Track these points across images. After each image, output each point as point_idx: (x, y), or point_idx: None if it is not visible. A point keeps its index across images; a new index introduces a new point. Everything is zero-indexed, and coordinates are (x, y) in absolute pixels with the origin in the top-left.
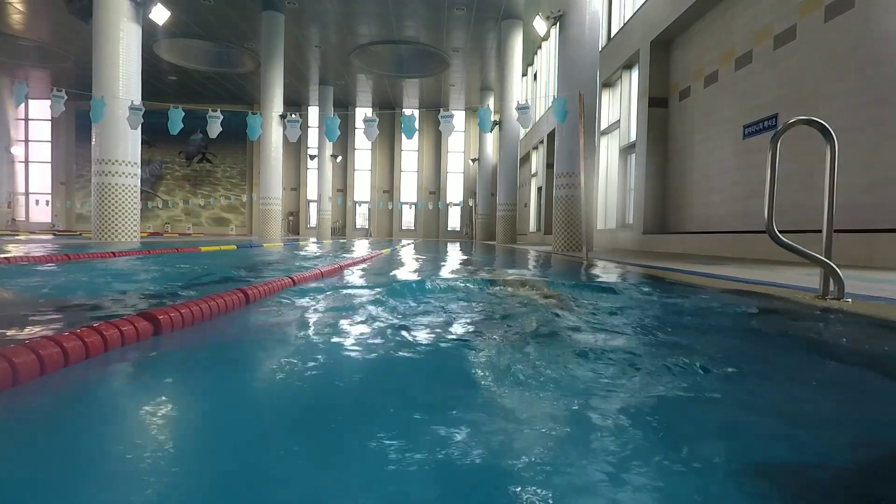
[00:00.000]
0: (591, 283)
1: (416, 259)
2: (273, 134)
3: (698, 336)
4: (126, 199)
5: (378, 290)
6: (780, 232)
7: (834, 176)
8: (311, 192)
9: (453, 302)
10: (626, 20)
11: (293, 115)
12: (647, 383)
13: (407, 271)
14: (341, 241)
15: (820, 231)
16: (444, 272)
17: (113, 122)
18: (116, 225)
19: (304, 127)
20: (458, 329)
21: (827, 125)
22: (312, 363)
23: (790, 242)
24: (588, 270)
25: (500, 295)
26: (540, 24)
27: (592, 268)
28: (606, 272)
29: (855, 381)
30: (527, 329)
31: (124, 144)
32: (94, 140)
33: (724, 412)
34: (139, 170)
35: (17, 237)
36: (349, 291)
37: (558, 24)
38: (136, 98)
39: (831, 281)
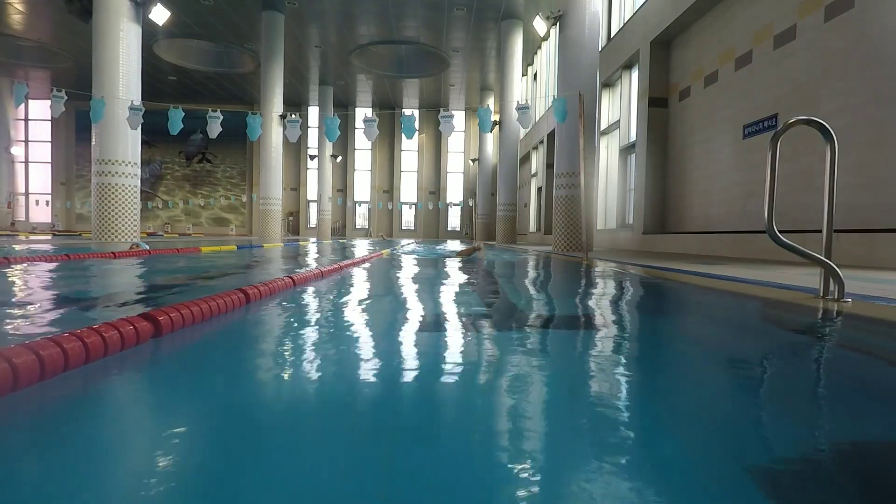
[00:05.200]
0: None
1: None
2: (273, 134)
3: (697, 337)
4: (126, 200)
5: (377, 285)
6: (779, 232)
7: (834, 176)
8: (311, 192)
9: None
10: (625, 20)
11: (293, 116)
12: (646, 383)
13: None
14: (341, 241)
15: (819, 231)
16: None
17: (113, 122)
18: (116, 225)
19: (304, 127)
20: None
21: (827, 125)
22: (315, 362)
23: (790, 242)
24: (588, 270)
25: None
26: (540, 25)
27: (592, 268)
28: (606, 273)
29: (854, 382)
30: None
31: (124, 144)
32: (94, 140)
33: (720, 412)
34: (139, 170)
35: (16, 237)
36: (350, 289)
37: (558, 24)
38: (136, 98)
39: (831, 281)
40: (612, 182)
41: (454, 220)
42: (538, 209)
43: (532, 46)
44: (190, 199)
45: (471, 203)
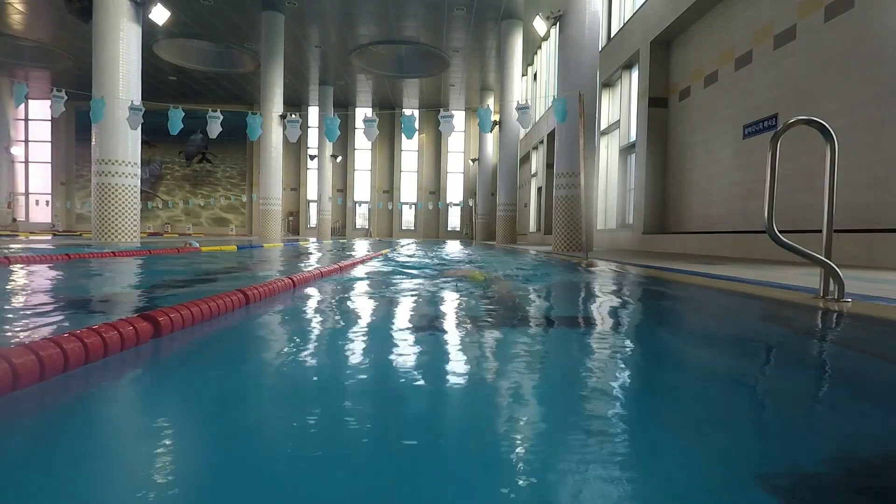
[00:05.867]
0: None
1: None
2: (273, 134)
3: (697, 337)
4: (126, 200)
5: (377, 280)
6: (779, 232)
7: (834, 176)
8: (312, 192)
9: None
10: (625, 20)
11: (293, 116)
12: (645, 383)
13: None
14: (341, 241)
15: (819, 231)
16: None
17: (113, 122)
18: (116, 225)
19: (304, 127)
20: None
21: (827, 125)
22: (315, 364)
23: (790, 242)
24: (588, 270)
25: None
26: (540, 25)
27: (592, 268)
28: (606, 273)
29: (856, 382)
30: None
31: (124, 144)
32: (94, 140)
33: (721, 413)
34: (139, 170)
35: (16, 237)
36: (350, 287)
37: (558, 24)
38: (136, 98)
39: (831, 281)
40: (612, 182)
41: (454, 220)
42: (538, 209)
43: (532, 46)
44: (190, 199)
45: (471, 203)
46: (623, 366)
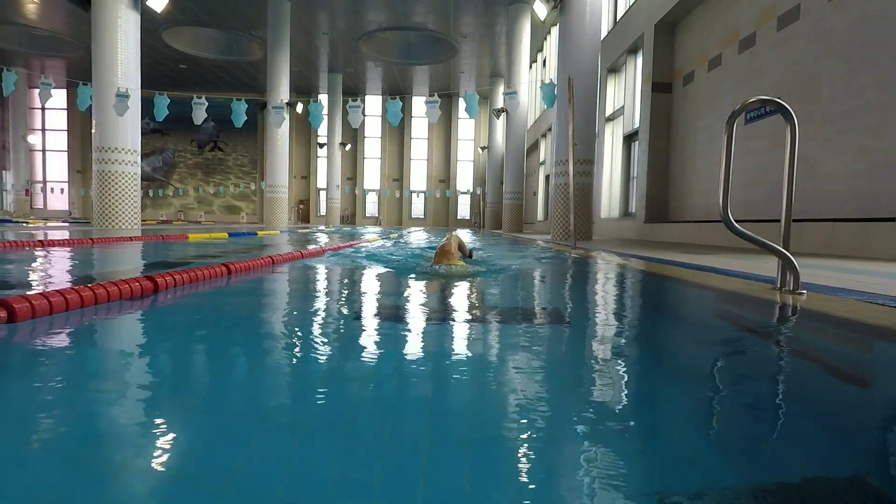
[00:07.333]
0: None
1: None
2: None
3: (629, 329)
4: (126, 187)
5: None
6: (770, 221)
7: (794, 160)
8: (322, 180)
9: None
10: (631, 2)
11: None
12: (572, 374)
13: None
14: (345, 228)
15: (816, 220)
16: None
17: (112, 111)
18: (117, 213)
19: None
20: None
21: (786, 105)
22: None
23: (745, 231)
24: (561, 259)
25: None
26: (539, 8)
27: (569, 256)
28: (579, 262)
29: (764, 379)
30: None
31: (123, 132)
32: (94, 129)
33: (628, 411)
34: (139, 157)
35: (28, 224)
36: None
37: (559, 8)
38: (136, 86)
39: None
40: (616, 170)
41: (464, 208)
42: (546, 198)
43: (541, 32)
44: (202, 186)
45: (478, 192)
46: (536, 356)
